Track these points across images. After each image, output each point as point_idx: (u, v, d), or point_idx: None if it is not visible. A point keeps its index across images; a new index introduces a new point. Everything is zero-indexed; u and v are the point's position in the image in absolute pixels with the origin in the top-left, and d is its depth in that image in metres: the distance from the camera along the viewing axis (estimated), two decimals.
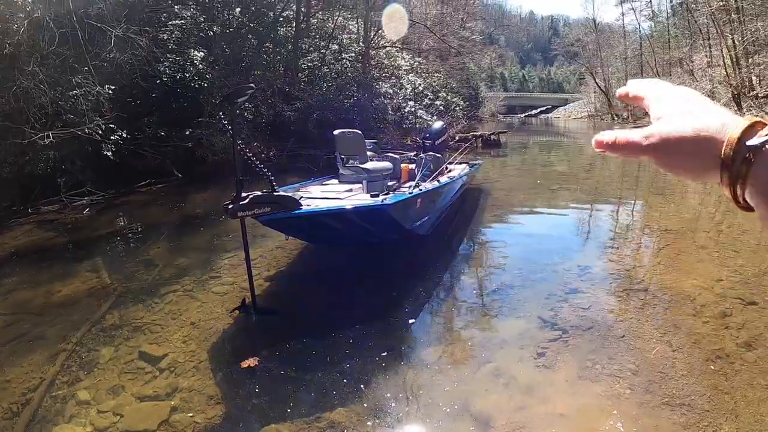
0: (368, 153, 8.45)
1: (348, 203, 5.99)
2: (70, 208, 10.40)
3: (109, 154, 10.80)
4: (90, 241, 8.58)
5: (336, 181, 8.26)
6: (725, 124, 0.54)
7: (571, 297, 5.69)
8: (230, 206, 4.64)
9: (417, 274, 6.67)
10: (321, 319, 5.52)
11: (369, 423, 3.85)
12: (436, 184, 7.51)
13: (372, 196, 6.28)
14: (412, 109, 25.36)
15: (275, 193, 5.25)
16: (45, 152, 10.43)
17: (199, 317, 5.49)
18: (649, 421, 3.67)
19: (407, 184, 7.28)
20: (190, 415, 4.11)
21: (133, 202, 10.87)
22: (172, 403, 4.22)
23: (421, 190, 6.66)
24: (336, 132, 8.16)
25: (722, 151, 0.52)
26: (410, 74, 28.19)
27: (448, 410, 3.90)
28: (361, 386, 4.27)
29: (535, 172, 16.96)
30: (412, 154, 10.15)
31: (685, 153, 0.55)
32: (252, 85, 5.44)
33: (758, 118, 0.53)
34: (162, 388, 4.41)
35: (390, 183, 7.61)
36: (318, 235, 6.82)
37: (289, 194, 5.50)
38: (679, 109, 0.58)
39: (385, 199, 5.88)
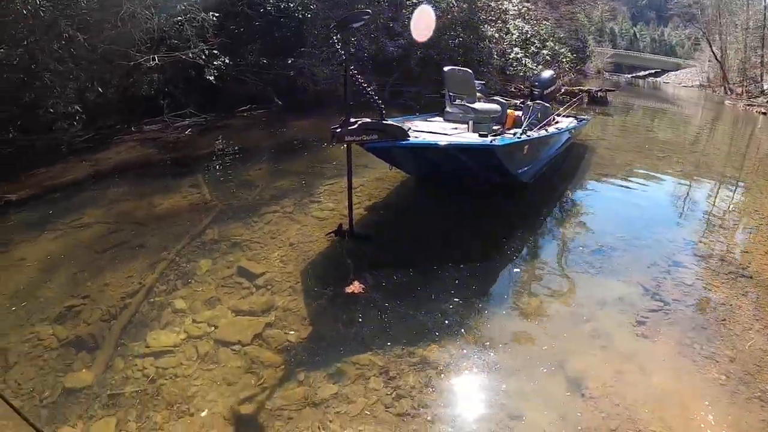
0: (477, 93, 8.05)
1: (455, 139, 5.81)
2: (172, 129, 10.78)
3: (212, 78, 11.00)
4: (191, 160, 8.82)
5: (441, 119, 7.97)
6: None
7: (674, 270, 5.31)
8: (338, 130, 4.59)
9: (518, 222, 6.41)
10: (421, 255, 5.34)
11: (463, 367, 3.68)
12: (543, 132, 7.08)
13: (480, 136, 5.98)
14: (518, 56, 24.10)
15: (384, 122, 5.01)
16: (149, 75, 10.81)
17: (298, 239, 5.42)
18: (738, 413, 3.33)
19: (512, 131, 6.87)
20: (284, 333, 4.07)
21: (233, 125, 11.03)
22: (267, 319, 4.21)
23: (528, 137, 6.29)
24: (446, 68, 7.84)
25: None
26: (517, 19, 26.77)
27: (543, 369, 3.68)
28: (461, 330, 4.08)
29: (639, 136, 15.72)
30: (518, 101, 9.63)
31: None
32: (368, 11, 5.36)
33: None
34: (258, 304, 4.40)
35: (495, 127, 7.22)
36: (422, 169, 6.67)
37: (396, 124, 5.26)
38: None
39: (494, 140, 5.59)
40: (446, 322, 4.13)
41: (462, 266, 4.99)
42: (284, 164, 8.12)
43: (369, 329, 4.06)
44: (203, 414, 3.43)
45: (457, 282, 4.72)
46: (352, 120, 4.68)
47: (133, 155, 9.17)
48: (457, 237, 5.82)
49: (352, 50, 15.28)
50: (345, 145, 4.92)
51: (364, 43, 16.58)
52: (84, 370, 3.87)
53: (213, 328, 4.16)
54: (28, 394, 3.93)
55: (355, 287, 4.54)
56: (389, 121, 5.25)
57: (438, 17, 19.44)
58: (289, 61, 13.05)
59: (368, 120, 4.85)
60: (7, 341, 4.51)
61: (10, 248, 6.10)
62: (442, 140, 5.61)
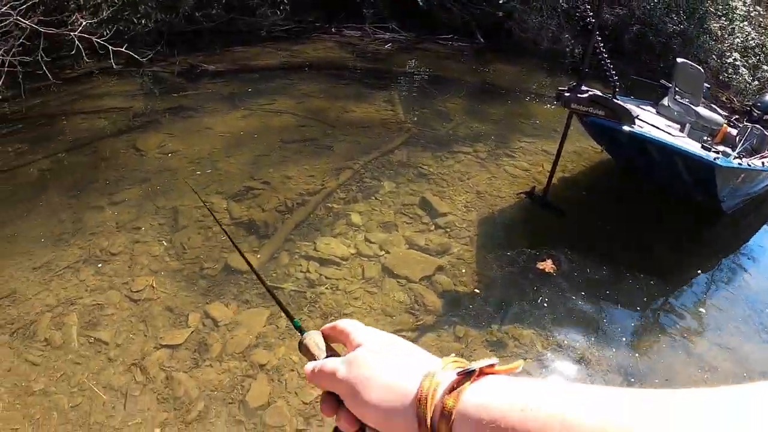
0: (701, 96, 7.21)
1: (682, 143, 5.25)
2: (371, 39, 10.65)
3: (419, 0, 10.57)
4: (388, 75, 8.66)
5: (653, 110, 7.18)
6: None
7: None
8: (567, 94, 4.36)
9: (718, 251, 5.54)
10: (613, 252, 4.75)
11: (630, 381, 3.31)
12: (760, 165, 6.16)
13: (703, 147, 5.31)
14: (735, 62, 21.52)
15: (615, 101, 4.56)
16: None
17: (486, 189, 5.05)
18: None
19: (720, 147, 6.03)
20: (454, 282, 3.78)
21: (432, 51, 10.73)
22: (440, 262, 3.93)
23: (750, 165, 5.51)
24: (679, 60, 7.06)
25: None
26: (743, 22, 23.81)
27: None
28: (635, 354, 3.56)
29: None
30: (733, 117, 8.51)
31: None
32: None
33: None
34: (434, 243, 4.13)
35: (705, 137, 6.40)
36: (634, 161, 6.06)
37: (626, 107, 4.74)
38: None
39: (717, 157, 4.91)
40: (623, 339, 3.65)
41: (652, 282, 4.38)
42: (482, 106, 7.69)
43: (543, 313, 3.68)
44: None
45: (645, 300, 4.16)
46: (584, 88, 4.38)
47: (329, 55, 9.19)
48: (653, 243, 5.17)
49: (564, 6, 14.32)
50: (568, 111, 4.58)
51: (578, 2, 15.43)
52: (249, 254, 3.82)
53: (384, 252, 3.96)
54: (191, 260, 3.97)
55: (547, 265, 4.15)
56: (619, 101, 4.76)
57: None
58: (500, 1, 12.43)
59: (599, 93, 4.51)
60: (181, 202, 4.61)
61: (201, 115, 6.28)
62: (668, 139, 5.06)
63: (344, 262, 3.85)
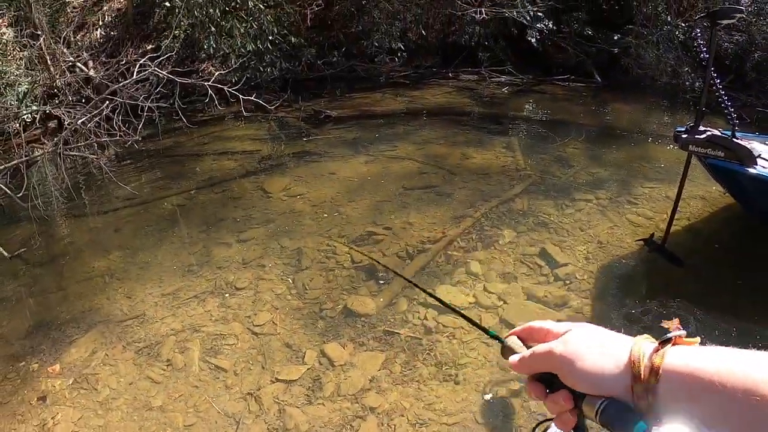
0: None
1: None
2: (488, 83, 10.76)
3: (533, 41, 10.91)
4: (506, 119, 8.66)
5: None
6: None
7: None
8: (684, 135, 4.24)
9: None
10: (743, 321, 4.27)
11: None
12: None
13: None
14: None
15: (734, 140, 4.31)
16: (471, 26, 10.92)
17: (607, 239, 4.86)
18: None
19: None
20: None
21: (549, 92, 10.62)
22: (558, 315, 3.82)
23: None
24: None
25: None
26: None
27: None
28: None
29: None
30: None
31: None
32: (741, 8, 4.48)
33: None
34: (553, 296, 4.02)
35: None
36: (758, 205, 5.56)
37: (746, 146, 4.41)
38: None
39: None
40: None
41: None
42: (602, 149, 7.47)
43: None
44: (466, 386, 3.24)
45: None
46: (701, 128, 4.23)
47: (447, 100, 9.33)
48: None
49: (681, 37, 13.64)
50: (687, 153, 4.39)
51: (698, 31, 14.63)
52: (368, 298, 3.91)
53: (502, 303, 3.91)
54: (312, 300, 4.11)
55: (673, 324, 3.76)
56: (739, 141, 4.46)
57: None
58: (615, 38, 12.14)
59: (717, 133, 4.31)
60: (304, 243, 4.80)
61: (324, 159, 6.55)
62: None
63: (462, 312, 3.80)
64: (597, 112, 9.45)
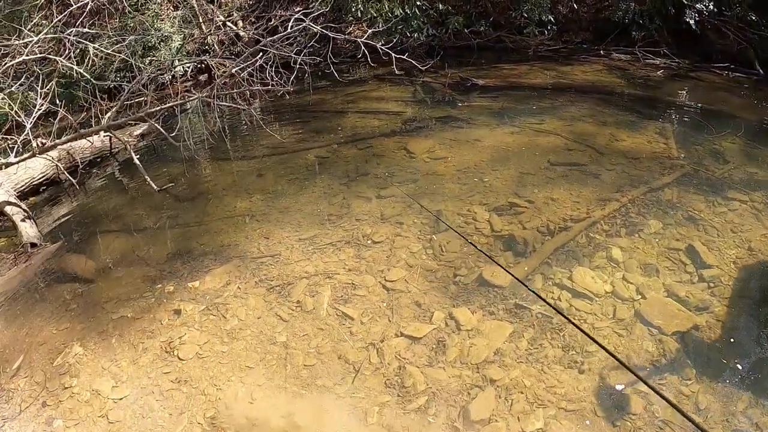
0: None
1: None
2: (642, 64, 10.13)
3: (692, 22, 9.89)
4: (660, 103, 8.13)
5: None
6: None
7: None
8: None
9: None
10: None
11: None
12: None
13: None
14: None
15: None
16: (626, 2, 10.30)
17: (759, 246, 4.45)
18: None
19: None
20: (708, 345, 3.38)
21: (707, 80, 9.81)
22: (697, 320, 3.56)
23: None
24: None
25: None
26: None
27: None
28: None
29: None
30: None
31: None
32: None
33: None
34: (695, 297, 3.76)
35: None
36: None
37: None
38: None
39: None
40: None
41: None
42: (763, 148, 6.83)
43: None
44: (589, 376, 3.18)
45: None
46: None
47: (598, 78, 8.96)
48: None
49: None
50: None
51: None
52: (503, 270, 3.80)
53: (640, 296, 3.74)
54: (447, 263, 4.20)
55: None
56: None
57: None
58: None
59: None
60: (444, 206, 4.88)
61: (469, 126, 6.57)
62: None
63: (597, 298, 3.73)
64: (759, 108, 8.72)
